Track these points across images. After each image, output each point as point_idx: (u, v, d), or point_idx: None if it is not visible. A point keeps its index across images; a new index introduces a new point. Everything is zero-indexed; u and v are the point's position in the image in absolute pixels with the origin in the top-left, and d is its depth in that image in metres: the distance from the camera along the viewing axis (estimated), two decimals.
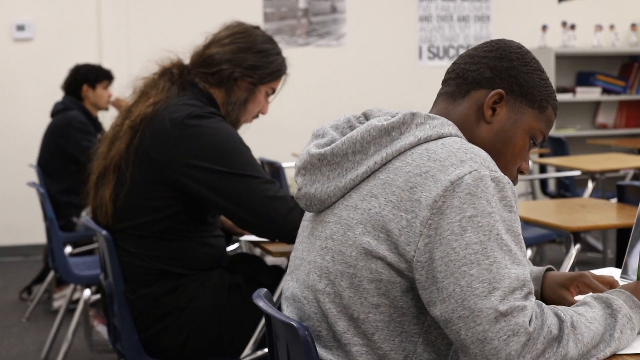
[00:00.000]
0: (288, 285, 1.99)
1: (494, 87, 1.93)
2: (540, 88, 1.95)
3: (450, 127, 1.86)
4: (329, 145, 1.90)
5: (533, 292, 1.70)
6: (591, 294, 1.86)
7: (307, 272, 1.89)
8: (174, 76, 3.18)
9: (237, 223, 3.03)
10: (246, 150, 3.05)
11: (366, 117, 1.98)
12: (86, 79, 6.08)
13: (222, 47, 3.19)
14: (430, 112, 1.98)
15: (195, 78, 3.18)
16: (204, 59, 3.19)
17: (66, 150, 5.82)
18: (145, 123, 3.07)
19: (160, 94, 3.12)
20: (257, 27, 3.29)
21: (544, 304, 1.71)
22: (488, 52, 1.96)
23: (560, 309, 1.74)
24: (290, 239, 2.92)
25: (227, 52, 3.18)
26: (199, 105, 3.07)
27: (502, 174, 1.76)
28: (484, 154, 1.79)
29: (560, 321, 1.70)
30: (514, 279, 1.66)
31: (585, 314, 1.75)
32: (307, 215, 2.01)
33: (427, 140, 1.82)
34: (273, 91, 3.30)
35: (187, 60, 3.25)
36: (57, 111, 6.12)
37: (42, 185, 5.54)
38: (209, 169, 2.96)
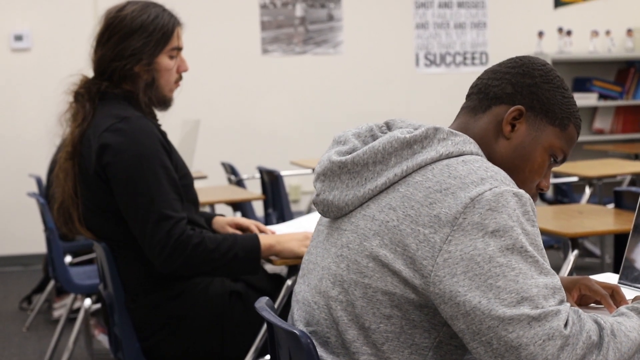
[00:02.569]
0: (300, 288, 1.99)
1: (514, 103, 1.93)
2: (562, 106, 1.94)
3: (471, 146, 1.86)
4: (350, 153, 1.90)
5: (565, 298, 1.70)
6: (625, 305, 1.86)
7: (319, 278, 1.89)
8: (84, 96, 3.15)
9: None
10: (160, 166, 3.01)
11: (389, 127, 1.97)
12: None
13: (104, 46, 3.13)
14: (451, 126, 1.98)
15: (101, 87, 3.14)
16: (97, 66, 3.16)
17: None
18: (78, 148, 3.10)
19: (80, 117, 3.12)
20: (126, 4, 3.17)
21: (581, 311, 1.71)
22: (511, 68, 1.96)
23: (600, 316, 1.74)
24: (163, 268, 2.95)
25: (109, 50, 3.12)
26: (118, 115, 3.05)
27: (523, 191, 1.76)
28: (503, 173, 1.79)
29: (600, 328, 1.70)
30: (542, 287, 1.66)
31: (624, 322, 1.75)
32: (323, 220, 2.00)
33: (449, 156, 1.81)
34: (177, 49, 3.19)
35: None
36: None
37: (42, 195, 5.55)
38: (120, 184, 2.98)
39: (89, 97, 3.13)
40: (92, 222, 3.12)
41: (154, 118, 3.20)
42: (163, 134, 3.12)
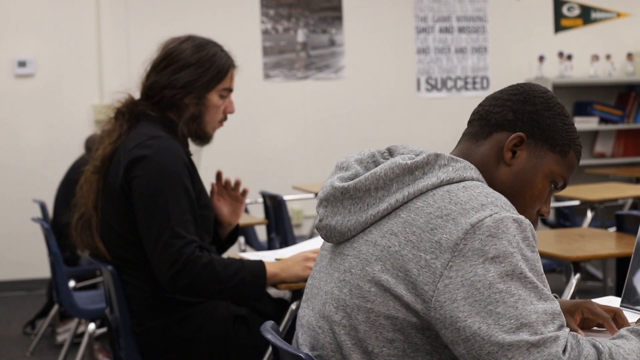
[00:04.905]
0: (304, 312, 2.00)
1: (515, 130, 1.94)
2: (563, 133, 1.96)
3: (472, 172, 1.87)
4: (353, 179, 1.92)
5: (565, 324, 1.71)
6: (626, 327, 1.88)
7: (323, 302, 1.90)
8: (125, 115, 3.20)
9: None
10: (183, 190, 3.05)
11: (390, 153, 1.99)
12: None
13: (158, 73, 3.20)
14: (452, 152, 1.99)
15: (145, 109, 3.19)
16: (146, 90, 3.22)
17: None
18: (107, 163, 3.15)
19: (115, 135, 3.17)
20: (187, 39, 3.25)
21: (580, 335, 1.73)
22: (512, 95, 1.98)
23: (598, 340, 1.75)
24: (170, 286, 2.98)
25: (164, 77, 3.18)
26: (150, 134, 3.10)
27: (523, 217, 1.77)
28: (504, 199, 1.80)
29: (599, 352, 1.71)
30: (541, 313, 1.67)
31: (623, 345, 1.76)
32: (326, 245, 2.02)
33: (450, 182, 1.83)
34: (229, 90, 3.27)
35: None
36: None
37: (46, 220, 5.57)
38: (140, 197, 3.02)
39: (129, 117, 3.20)
40: (107, 239, 3.14)
41: (186, 147, 3.24)
42: (190, 161, 3.17)
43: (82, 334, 5.06)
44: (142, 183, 3.02)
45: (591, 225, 5.81)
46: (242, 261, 3.05)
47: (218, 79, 3.21)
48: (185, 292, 3.00)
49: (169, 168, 3.03)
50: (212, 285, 2.97)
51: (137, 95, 3.27)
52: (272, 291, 3.26)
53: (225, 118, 3.30)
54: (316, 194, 6.75)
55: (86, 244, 3.20)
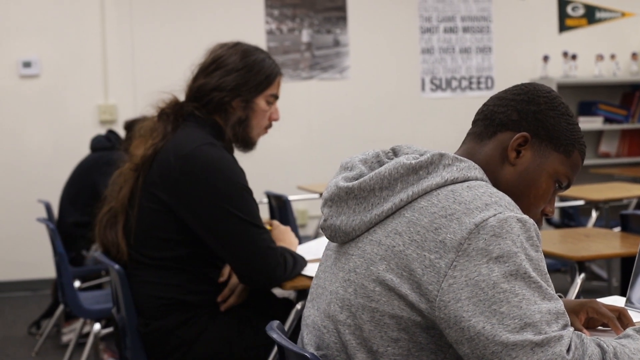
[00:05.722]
0: (309, 312, 2.01)
1: (520, 130, 1.95)
2: (567, 132, 1.97)
3: (476, 171, 1.88)
4: (357, 179, 1.92)
5: (569, 323, 1.72)
6: (632, 327, 1.88)
7: (328, 302, 1.91)
8: (170, 116, 3.23)
9: (229, 265, 3.11)
10: (249, 194, 3.09)
11: (395, 153, 2.00)
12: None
13: (207, 76, 3.23)
14: (457, 152, 2.00)
15: (193, 111, 3.22)
16: (194, 92, 3.24)
17: (99, 187, 5.69)
18: (147, 163, 3.15)
19: (159, 136, 3.19)
20: (236, 44, 3.31)
21: (584, 335, 1.73)
22: (517, 95, 1.99)
23: (603, 339, 1.76)
24: (272, 287, 3.10)
25: (212, 79, 3.22)
26: (204, 138, 3.12)
27: (527, 216, 1.78)
28: (508, 198, 1.81)
29: (603, 352, 1.72)
30: (545, 313, 1.68)
31: (628, 345, 1.77)
32: (331, 244, 2.03)
33: (454, 182, 1.83)
34: (275, 97, 3.32)
35: (182, 96, 3.31)
36: (103, 147, 6.07)
37: (51, 220, 5.58)
38: (209, 209, 3.03)
39: (174, 119, 3.22)
40: (134, 237, 3.15)
41: (231, 153, 3.28)
42: None
43: (87, 334, 5.06)
44: (210, 184, 3.03)
45: (596, 225, 5.81)
46: (283, 247, 3.16)
47: (266, 84, 3.27)
48: (277, 286, 3.11)
49: (239, 177, 3.11)
50: (293, 274, 3.11)
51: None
52: (277, 291, 3.27)
53: (270, 125, 3.36)
54: (321, 194, 6.73)
55: (107, 239, 3.21)
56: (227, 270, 3.17)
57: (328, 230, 1.95)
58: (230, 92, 3.21)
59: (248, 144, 3.30)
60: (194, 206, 3.03)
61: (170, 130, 3.19)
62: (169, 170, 3.07)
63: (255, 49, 3.31)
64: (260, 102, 3.27)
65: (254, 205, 3.09)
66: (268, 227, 3.31)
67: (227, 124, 3.22)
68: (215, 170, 3.05)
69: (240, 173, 3.12)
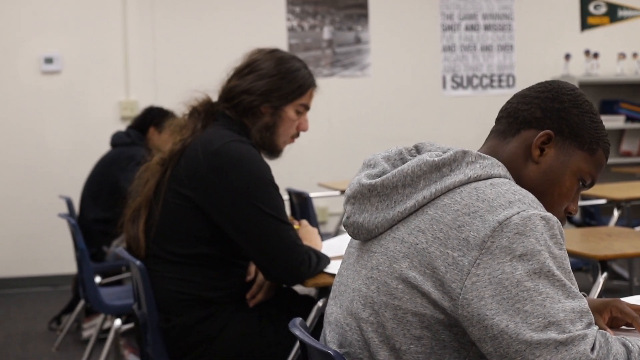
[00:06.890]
0: (331, 310, 2.01)
1: (543, 128, 1.94)
2: (591, 130, 1.95)
3: (499, 169, 1.87)
4: (380, 176, 1.92)
5: (593, 322, 1.71)
6: None
7: (350, 300, 1.91)
8: (200, 114, 3.25)
9: (253, 261, 3.11)
10: (275, 190, 3.10)
11: (418, 150, 1.99)
12: (155, 121, 5.97)
13: (241, 78, 3.26)
14: (480, 149, 1.99)
15: (224, 110, 3.24)
16: (226, 93, 3.27)
17: (119, 182, 5.70)
18: (175, 158, 3.15)
19: (188, 132, 3.21)
20: (273, 50, 3.33)
21: (608, 334, 1.72)
22: (540, 92, 1.98)
23: (628, 339, 1.75)
24: (296, 283, 3.10)
25: (244, 82, 3.23)
26: (232, 136, 3.13)
27: (550, 214, 1.77)
28: (531, 196, 1.80)
29: (629, 351, 1.71)
30: (569, 311, 1.67)
31: None
32: (353, 242, 2.02)
33: (477, 179, 1.83)
34: (305, 107, 3.32)
35: (215, 97, 3.32)
36: (123, 143, 6.10)
37: (72, 216, 5.59)
38: (236, 204, 3.03)
39: (205, 117, 3.24)
40: (157, 231, 3.16)
41: None
42: None
43: (107, 330, 5.08)
44: (237, 179, 3.04)
45: (618, 224, 5.78)
46: (307, 246, 3.16)
47: (298, 93, 3.27)
48: (300, 282, 3.12)
49: (262, 168, 3.10)
50: (316, 271, 3.11)
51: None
52: (299, 288, 3.27)
53: (297, 135, 3.36)
54: (342, 192, 6.76)
55: (129, 233, 3.22)
56: (253, 268, 3.17)
57: (350, 227, 1.94)
58: (260, 96, 3.22)
59: (274, 151, 3.30)
60: (220, 201, 3.04)
61: (200, 128, 3.21)
62: (197, 165, 3.08)
63: (292, 57, 3.32)
64: (290, 110, 3.27)
65: (280, 201, 3.09)
66: (296, 225, 3.32)
67: (256, 128, 3.24)
68: (242, 166, 3.05)
69: (267, 169, 3.12)
